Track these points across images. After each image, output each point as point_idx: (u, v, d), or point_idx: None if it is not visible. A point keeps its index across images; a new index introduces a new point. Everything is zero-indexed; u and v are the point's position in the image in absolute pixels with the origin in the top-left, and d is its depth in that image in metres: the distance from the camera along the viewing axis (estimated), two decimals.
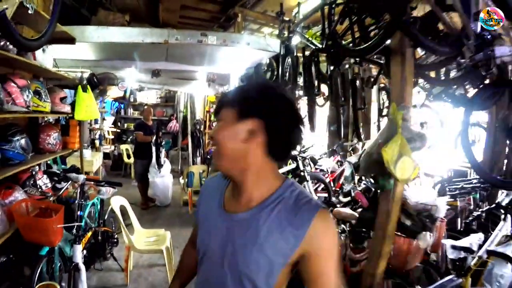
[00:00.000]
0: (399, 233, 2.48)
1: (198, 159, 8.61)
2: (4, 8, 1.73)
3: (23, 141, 2.66)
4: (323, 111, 5.03)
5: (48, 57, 3.27)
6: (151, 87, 8.61)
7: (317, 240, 0.94)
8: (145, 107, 8.24)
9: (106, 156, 8.59)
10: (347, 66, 3.92)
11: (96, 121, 8.02)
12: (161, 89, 9.92)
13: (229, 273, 1.00)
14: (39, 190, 2.99)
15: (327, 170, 5.08)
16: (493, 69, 1.85)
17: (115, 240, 3.78)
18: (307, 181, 4.36)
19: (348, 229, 3.12)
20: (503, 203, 2.85)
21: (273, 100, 0.97)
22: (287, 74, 4.38)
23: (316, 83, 4.13)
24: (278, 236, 0.95)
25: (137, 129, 6.27)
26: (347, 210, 3.24)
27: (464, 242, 2.46)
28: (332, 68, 3.72)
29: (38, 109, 2.86)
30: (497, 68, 1.94)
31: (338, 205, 3.99)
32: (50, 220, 2.45)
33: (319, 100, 4.35)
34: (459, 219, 3.07)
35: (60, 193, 3.04)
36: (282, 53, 4.15)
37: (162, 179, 6.23)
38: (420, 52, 2.74)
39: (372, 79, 3.77)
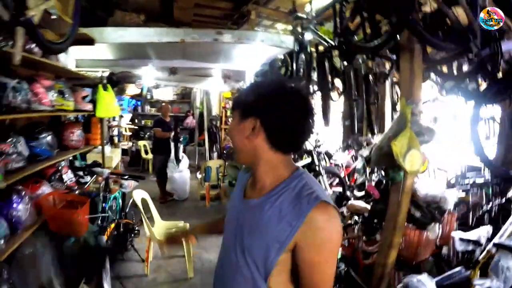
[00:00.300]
0: (409, 225, 2.53)
1: (215, 154, 8.75)
2: (32, 15, 1.86)
3: (49, 138, 2.79)
4: (338, 106, 5.06)
5: (70, 58, 3.42)
6: (168, 84, 8.70)
7: (312, 232, 0.97)
8: (163, 104, 8.34)
9: (124, 152, 8.73)
10: (360, 61, 3.95)
11: (114, 119, 8.14)
12: (177, 86, 10.01)
13: (239, 257, 1.07)
14: (65, 184, 3.15)
15: (342, 165, 5.10)
16: (500, 63, 1.87)
17: (136, 231, 3.95)
18: (322, 175, 4.41)
19: (361, 221, 3.18)
20: None
21: (267, 99, 1.05)
22: (301, 69, 4.43)
23: (329, 78, 4.17)
24: (276, 223, 1.01)
25: (156, 125, 6.33)
26: (361, 203, 3.29)
27: (472, 234, 2.47)
28: (345, 63, 3.75)
29: (63, 108, 2.97)
30: (505, 62, 1.96)
31: (352, 199, 4.04)
32: (76, 212, 2.59)
33: (334, 95, 4.39)
34: (470, 214, 3.05)
35: (86, 186, 3.20)
36: (296, 49, 4.20)
37: (180, 174, 6.34)
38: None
39: (385, 74, 3.80)
